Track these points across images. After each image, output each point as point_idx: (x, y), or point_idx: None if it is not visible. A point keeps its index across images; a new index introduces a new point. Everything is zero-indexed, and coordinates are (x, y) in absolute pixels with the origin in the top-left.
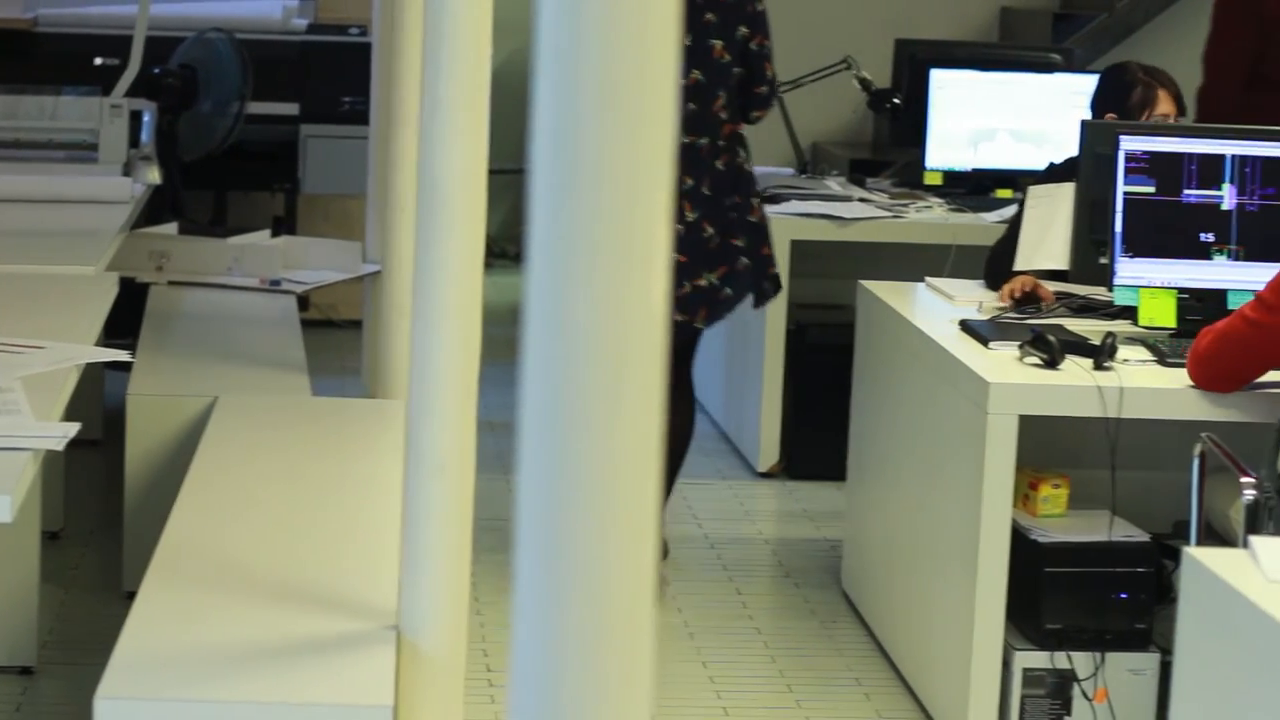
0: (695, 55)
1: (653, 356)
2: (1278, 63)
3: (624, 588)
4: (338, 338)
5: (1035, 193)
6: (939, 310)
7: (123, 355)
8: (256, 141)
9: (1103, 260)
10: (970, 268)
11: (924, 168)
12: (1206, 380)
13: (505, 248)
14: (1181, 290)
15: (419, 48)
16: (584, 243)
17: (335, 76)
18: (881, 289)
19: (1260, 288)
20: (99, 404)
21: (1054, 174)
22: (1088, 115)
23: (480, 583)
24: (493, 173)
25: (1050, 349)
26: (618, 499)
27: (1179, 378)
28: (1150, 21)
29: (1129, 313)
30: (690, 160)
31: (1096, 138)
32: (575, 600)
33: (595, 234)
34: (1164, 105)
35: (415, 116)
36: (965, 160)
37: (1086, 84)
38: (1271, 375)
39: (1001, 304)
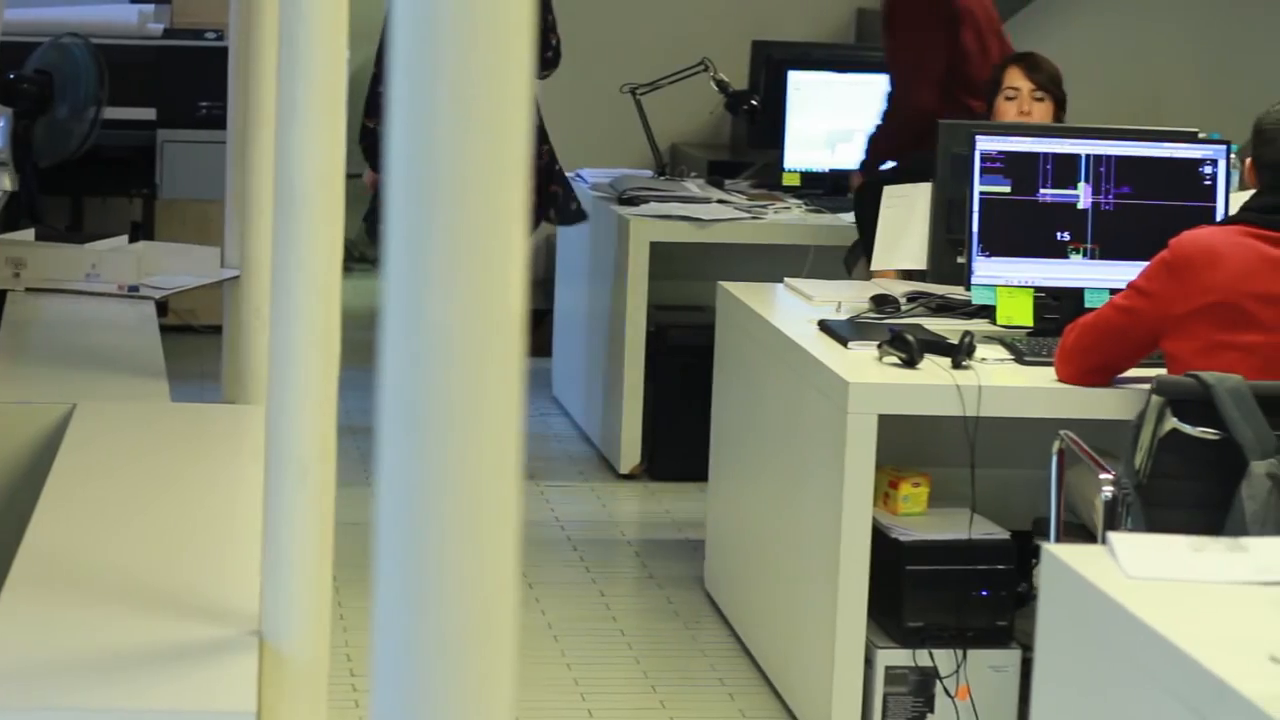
0: None
1: (511, 356)
2: (978, 62)
3: (485, 590)
4: (197, 343)
5: (891, 192)
6: (798, 310)
7: None
8: (113, 147)
9: (960, 260)
10: (829, 268)
11: (782, 169)
12: (1078, 375)
13: (364, 252)
14: (1038, 289)
15: (275, 52)
16: (440, 245)
17: (192, 81)
18: (740, 290)
19: (1116, 285)
20: None
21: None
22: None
23: (343, 587)
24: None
25: (909, 348)
26: (477, 500)
27: (1037, 376)
28: (1007, 21)
29: (987, 312)
30: None
31: (952, 138)
32: (436, 603)
33: (451, 236)
34: (1014, 79)
35: (272, 121)
36: (823, 161)
37: None
38: (1131, 371)
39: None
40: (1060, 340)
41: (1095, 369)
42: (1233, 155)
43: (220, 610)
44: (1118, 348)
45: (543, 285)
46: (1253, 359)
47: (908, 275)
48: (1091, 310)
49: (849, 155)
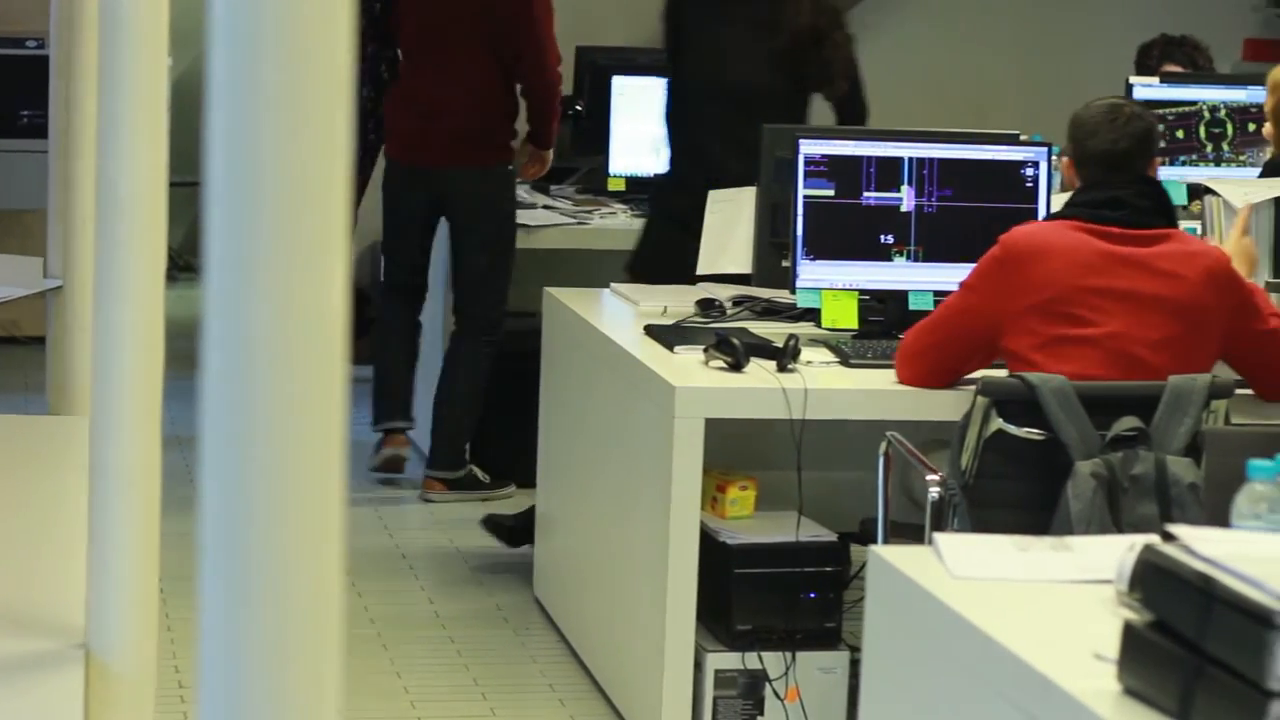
0: None
1: (333, 363)
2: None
3: (311, 597)
4: (20, 355)
5: (716, 197)
6: (624, 316)
7: None
8: None
9: (784, 263)
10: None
11: (607, 174)
12: (918, 377)
13: (189, 261)
14: (863, 292)
15: (95, 59)
16: (260, 252)
17: (12, 89)
18: (567, 295)
19: (940, 287)
20: None
21: None
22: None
23: (170, 598)
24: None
25: (735, 352)
26: (301, 509)
27: (862, 378)
28: None
29: (812, 315)
30: None
31: (776, 141)
32: (261, 612)
33: (271, 243)
34: None
35: (94, 129)
36: (648, 166)
37: None
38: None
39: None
40: (900, 342)
41: (935, 370)
42: (1054, 157)
43: (45, 623)
44: (956, 348)
45: (371, 293)
46: (1093, 352)
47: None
48: (919, 312)
49: None
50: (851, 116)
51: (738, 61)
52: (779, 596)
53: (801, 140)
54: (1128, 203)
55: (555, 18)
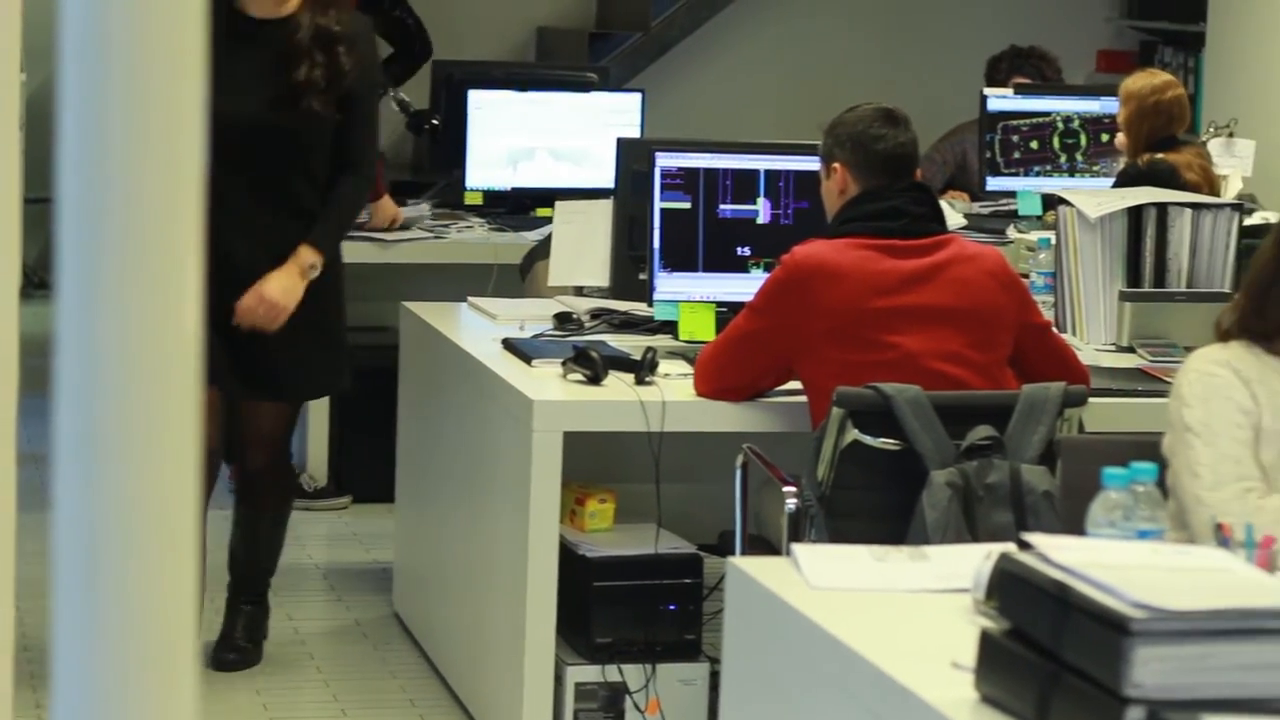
0: None
1: (188, 379)
2: None
3: (166, 615)
4: None
5: (564, 209)
6: (482, 329)
7: None
8: None
9: (642, 276)
10: (513, 286)
11: (464, 188)
12: (714, 393)
13: (43, 277)
14: (720, 304)
15: None
16: (112, 270)
17: None
18: (424, 310)
19: None
20: None
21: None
22: (627, 133)
23: (26, 616)
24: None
25: (593, 365)
26: (156, 526)
27: None
28: (685, 39)
29: (669, 327)
30: None
31: (632, 154)
32: (115, 630)
33: (123, 258)
34: None
35: None
36: (505, 180)
37: (623, 102)
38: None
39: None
40: (698, 357)
41: (731, 388)
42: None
43: None
44: (749, 367)
45: None
46: (891, 374)
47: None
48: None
49: (531, 173)
50: None
51: None
52: (638, 609)
53: (657, 153)
54: (905, 210)
55: None
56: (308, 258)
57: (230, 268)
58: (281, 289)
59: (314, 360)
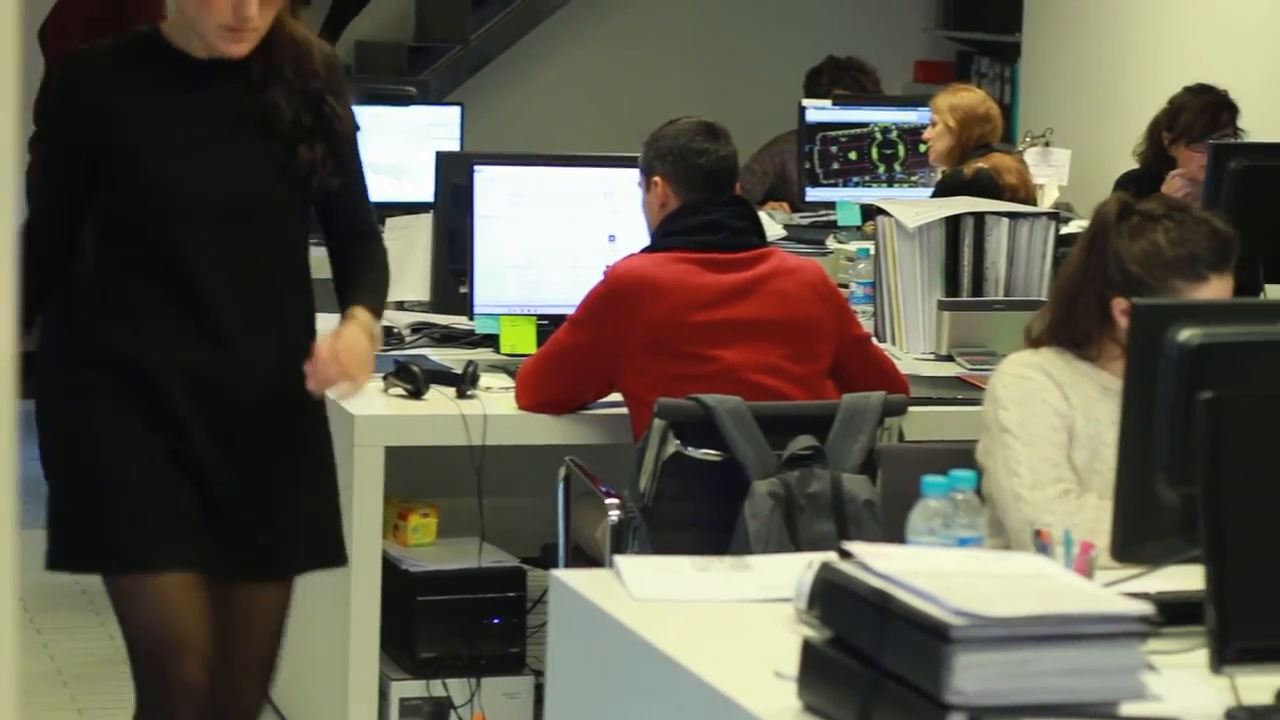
0: None
1: (3, 399)
2: None
3: None
4: None
5: (392, 224)
6: None
7: None
8: None
9: (463, 289)
10: (334, 302)
11: None
12: (535, 405)
13: None
14: (542, 317)
15: None
16: None
17: None
18: None
19: None
20: None
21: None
22: (447, 147)
23: None
24: None
25: (414, 379)
26: None
27: None
28: (504, 53)
29: (491, 341)
30: None
31: (451, 168)
32: None
33: None
34: None
35: None
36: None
37: (443, 115)
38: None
39: None
40: (519, 369)
41: (551, 401)
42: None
43: None
44: (571, 381)
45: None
46: (712, 387)
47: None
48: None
49: None
50: None
51: None
52: (462, 623)
53: (477, 166)
54: (725, 224)
55: None
56: (367, 317)
57: (205, 392)
58: (361, 351)
59: (321, 519)
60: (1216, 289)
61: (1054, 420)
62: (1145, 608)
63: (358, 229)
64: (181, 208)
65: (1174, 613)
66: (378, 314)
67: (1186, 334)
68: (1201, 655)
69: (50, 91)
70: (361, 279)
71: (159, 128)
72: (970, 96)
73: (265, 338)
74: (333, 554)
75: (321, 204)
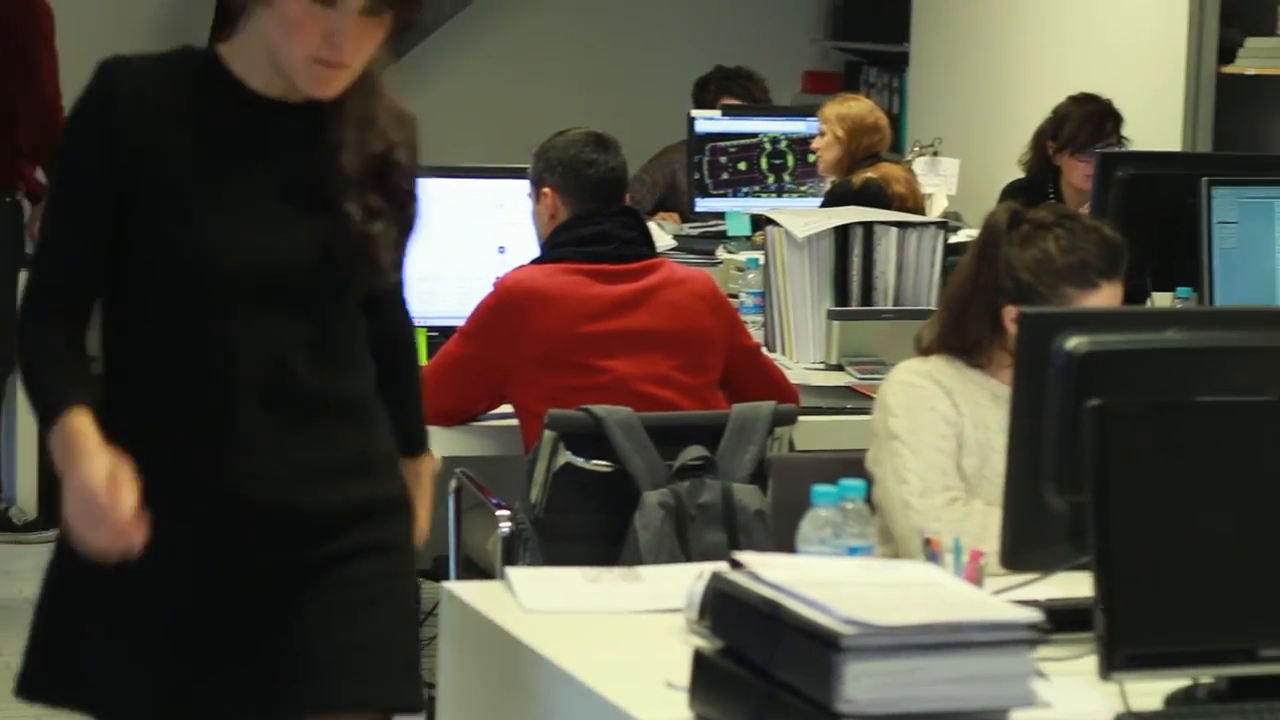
0: None
1: None
2: None
3: None
4: None
5: None
6: None
7: None
8: None
9: None
10: None
11: None
12: (430, 417)
13: None
14: (432, 328)
15: None
16: None
17: None
18: None
19: None
20: None
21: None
22: None
23: None
24: None
25: None
26: None
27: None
28: (391, 66)
29: None
30: None
31: None
32: None
33: None
34: None
35: None
36: None
37: None
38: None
39: None
40: None
41: (442, 413)
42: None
43: None
44: (461, 393)
45: None
46: (602, 398)
47: None
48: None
49: None
50: None
51: None
52: None
53: None
54: (615, 235)
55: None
56: (431, 465)
57: (248, 508)
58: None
59: (396, 646)
60: (1107, 296)
61: (943, 428)
62: (1034, 615)
63: (400, 334)
64: (226, 285)
65: (1063, 619)
66: (429, 452)
67: (1074, 342)
68: (1091, 662)
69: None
70: (408, 405)
71: (207, 177)
72: (858, 106)
73: (324, 447)
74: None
75: (366, 299)
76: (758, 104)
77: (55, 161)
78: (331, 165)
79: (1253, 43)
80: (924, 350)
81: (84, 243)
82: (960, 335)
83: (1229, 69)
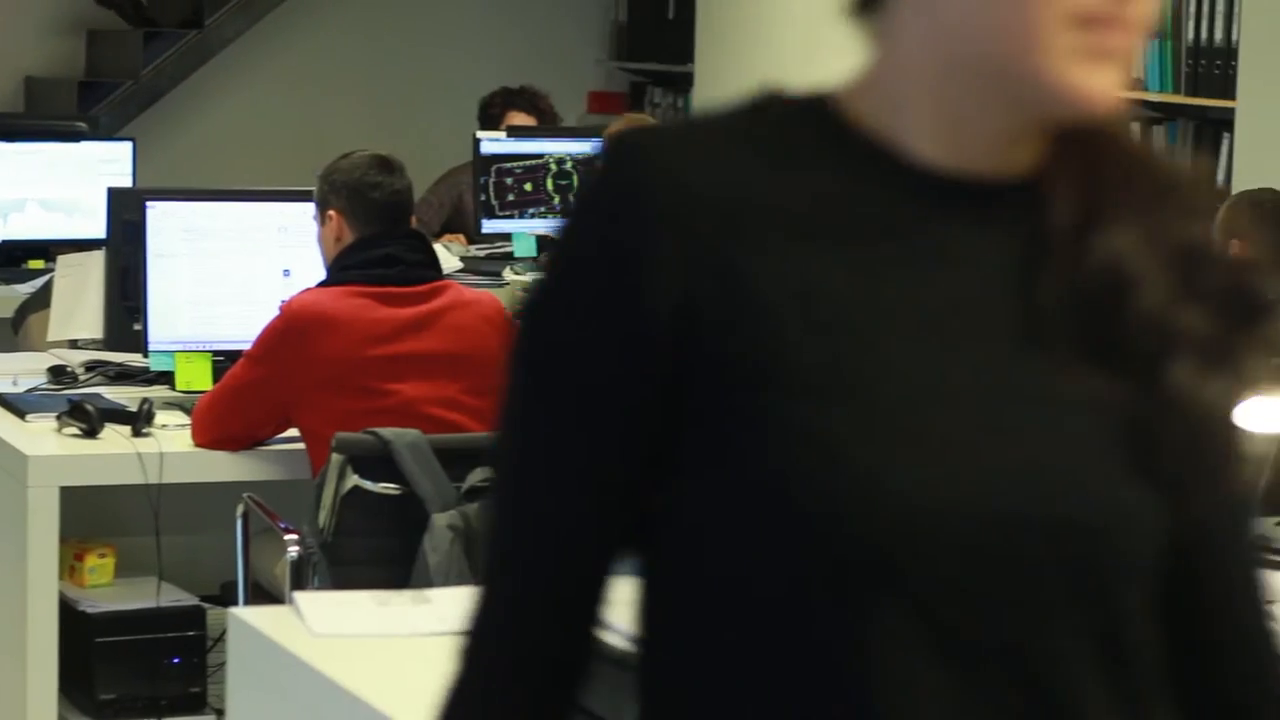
0: None
1: None
2: None
3: None
4: None
5: (65, 261)
6: None
7: None
8: None
9: (137, 326)
10: (4, 340)
11: None
12: (214, 442)
13: None
14: (218, 353)
15: None
16: None
17: None
18: None
19: None
20: None
21: None
22: (118, 183)
23: None
24: None
25: (88, 418)
26: None
27: None
28: (176, 87)
29: (166, 378)
30: None
31: (123, 204)
32: None
33: None
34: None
35: None
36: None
37: (114, 151)
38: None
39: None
40: (195, 407)
41: (228, 437)
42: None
43: None
44: (247, 416)
45: None
46: (389, 421)
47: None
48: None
49: (22, 225)
50: None
51: None
52: (142, 663)
53: (149, 202)
54: (401, 258)
55: None
56: None
57: None
58: None
59: None
60: None
61: None
62: None
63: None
64: (918, 552)
65: None
66: None
67: None
68: None
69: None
70: None
71: (854, 347)
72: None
73: None
74: None
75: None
76: (545, 123)
77: (523, 344)
78: (1117, 290)
79: None
80: None
81: (595, 504)
82: None
83: None
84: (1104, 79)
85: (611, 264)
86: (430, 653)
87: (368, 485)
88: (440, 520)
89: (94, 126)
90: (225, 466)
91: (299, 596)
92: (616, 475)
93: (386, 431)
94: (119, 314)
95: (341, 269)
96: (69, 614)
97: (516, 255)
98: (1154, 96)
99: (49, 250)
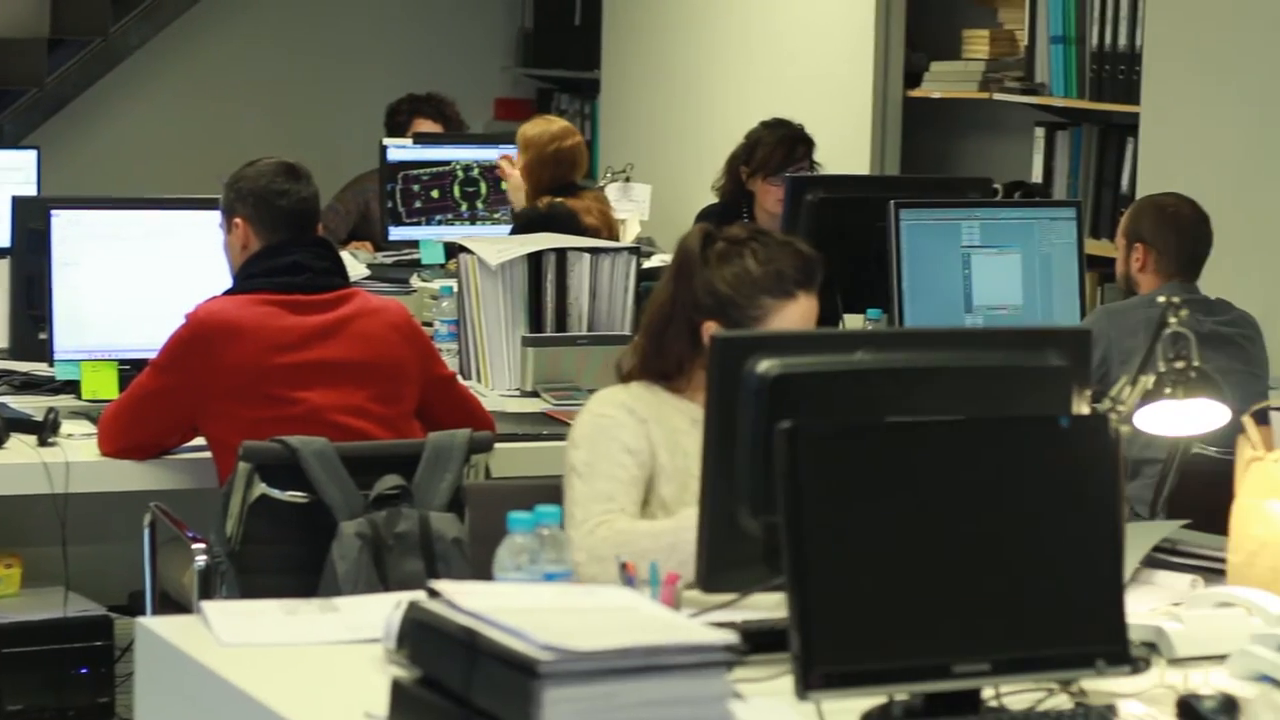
0: None
1: None
2: None
3: None
4: None
5: None
6: None
7: None
8: None
9: (42, 335)
10: None
11: None
12: (120, 451)
13: None
14: (124, 361)
15: None
16: None
17: None
18: None
19: None
20: None
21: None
22: (23, 191)
23: None
24: None
25: None
26: None
27: None
28: (81, 95)
29: (72, 387)
30: None
31: (28, 213)
32: None
33: None
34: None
35: None
36: None
37: (18, 159)
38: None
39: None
40: (101, 415)
41: (134, 446)
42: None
43: None
44: (154, 427)
45: None
46: (296, 429)
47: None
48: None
49: None
50: None
51: None
52: (49, 674)
53: (53, 211)
54: (307, 265)
55: None
56: None
57: None
58: None
59: None
60: (805, 306)
61: (622, 457)
62: (730, 637)
63: None
64: None
65: (760, 640)
66: None
67: (765, 365)
68: (788, 682)
69: None
70: None
71: None
72: (549, 128)
73: None
74: None
75: None
76: (451, 130)
77: None
78: None
79: (938, 66)
80: (624, 377)
81: None
82: (661, 359)
83: (915, 92)
84: None
85: None
86: (339, 661)
87: (275, 493)
88: (348, 528)
89: None
90: (132, 476)
91: (207, 606)
92: None
93: (294, 440)
94: (24, 323)
95: (247, 277)
96: None
97: (424, 262)
98: (1059, 102)
99: None
